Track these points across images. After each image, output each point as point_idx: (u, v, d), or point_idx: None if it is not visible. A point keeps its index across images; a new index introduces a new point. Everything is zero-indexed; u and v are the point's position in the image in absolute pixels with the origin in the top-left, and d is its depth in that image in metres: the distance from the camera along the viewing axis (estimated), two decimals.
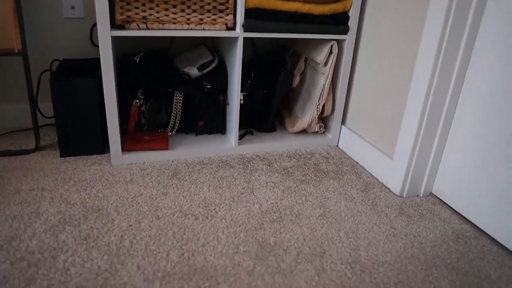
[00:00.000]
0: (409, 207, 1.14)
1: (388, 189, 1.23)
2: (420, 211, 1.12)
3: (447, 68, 1.05)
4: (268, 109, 1.50)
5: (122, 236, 0.93)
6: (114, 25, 1.15)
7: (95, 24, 1.51)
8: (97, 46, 1.54)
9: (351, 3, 1.33)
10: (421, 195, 1.21)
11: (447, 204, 1.16)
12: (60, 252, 0.86)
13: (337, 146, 1.54)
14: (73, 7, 1.47)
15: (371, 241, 0.97)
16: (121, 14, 1.15)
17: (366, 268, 0.88)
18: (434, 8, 1.02)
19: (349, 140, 1.46)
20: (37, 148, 1.34)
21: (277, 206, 1.09)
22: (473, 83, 1.05)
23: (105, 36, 1.12)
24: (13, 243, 0.88)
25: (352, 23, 1.36)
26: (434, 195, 1.21)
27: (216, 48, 1.54)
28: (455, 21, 1.00)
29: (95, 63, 1.47)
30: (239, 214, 1.05)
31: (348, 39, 1.38)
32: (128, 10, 1.15)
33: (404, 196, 1.20)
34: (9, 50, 1.23)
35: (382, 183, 1.26)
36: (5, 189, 1.10)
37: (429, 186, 1.21)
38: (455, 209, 1.13)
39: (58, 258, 0.85)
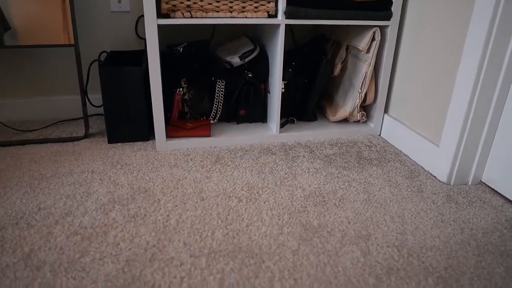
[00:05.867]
0: (457, 194, 1.10)
1: (434, 176, 1.19)
2: (469, 198, 1.08)
3: (499, 50, 1.01)
4: (309, 98, 1.49)
5: (168, 215, 0.96)
6: (160, 14, 1.19)
7: (140, 17, 1.56)
8: (142, 39, 1.59)
9: None
10: (469, 183, 1.17)
11: (499, 193, 1.11)
12: (110, 228, 0.90)
13: (379, 135, 1.51)
14: (119, 1, 1.52)
15: (418, 226, 0.95)
16: (166, 3, 1.18)
17: (413, 252, 0.86)
18: None
19: (392, 128, 1.43)
20: (87, 136, 1.41)
21: (320, 191, 1.09)
22: None
23: (151, 24, 1.16)
24: (67, 219, 0.93)
25: (395, 8, 1.33)
26: (484, 183, 1.16)
27: (257, 38, 1.55)
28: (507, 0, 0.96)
29: (140, 54, 1.52)
30: (282, 197, 1.05)
31: (391, 25, 1.35)
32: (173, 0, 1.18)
33: (452, 184, 1.16)
34: (63, 43, 1.30)
35: (428, 171, 1.23)
36: (59, 171, 1.15)
37: (478, 174, 1.16)
38: (508, 197, 1.08)
39: (109, 233, 0.88)
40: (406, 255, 0.85)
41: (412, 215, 0.99)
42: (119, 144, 1.35)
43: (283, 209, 1.00)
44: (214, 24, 1.60)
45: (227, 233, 0.90)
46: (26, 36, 1.28)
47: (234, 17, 1.24)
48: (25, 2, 1.25)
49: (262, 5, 1.25)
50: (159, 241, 0.86)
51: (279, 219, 0.95)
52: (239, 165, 1.22)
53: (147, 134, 1.37)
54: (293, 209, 1.00)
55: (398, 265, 0.81)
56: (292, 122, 1.51)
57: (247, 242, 0.87)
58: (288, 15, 1.24)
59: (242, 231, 0.91)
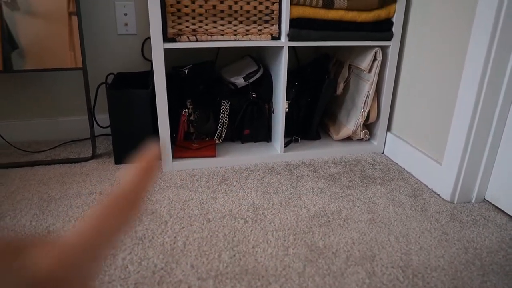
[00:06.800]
0: (460, 213, 1.11)
1: (438, 195, 1.20)
2: (473, 217, 1.09)
3: (499, 68, 1.03)
4: (312, 117, 1.51)
5: (175, 237, 0.97)
6: (166, 38, 1.22)
7: (146, 40, 1.60)
8: (148, 60, 1.62)
9: (395, 10, 1.34)
10: (473, 201, 1.17)
11: (502, 211, 1.12)
12: (118, 251, 0.91)
13: (382, 153, 1.52)
14: (126, 24, 1.56)
15: (422, 246, 0.96)
16: (172, 27, 1.21)
17: (418, 273, 0.86)
18: (483, 7, 1.01)
19: (395, 146, 1.44)
20: (94, 156, 1.43)
21: (325, 211, 1.10)
22: None
23: (158, 48, 1.19)
24: None
25: (396, 29, 1.36)
26: (488, 201, 1.17)
27: (261, 59, 1.58)
28: (506, 19, 0.98)
29: (146, 75, 1.55)
30: (287, 218, 1.06)
31: (393, 45, 1.38)
32: (179, 24, 1.21)
33: (455, 202, 1.16)
34: (72, 66, 1.33)
35: (431, 189, 1.24)
36: (67, 193, 1.17)
37: (481, 191, 1.17)
38: None
39: (117, 256, 0.90)
40: (411, 276, 0.85)
41: (416, 235, 1.00)
42: (126, 165, 1.37)
43: (288, 229, 1.01)
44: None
45: (234, 255, 0.91)
46: (34, 59, 1.32)
47: (238, 40, 1.27)
48: (32, 25, 1.28)
49: (265, 27, 1.28)
50: (167, 263, 0.88)
51: (285, 240, 0.97)
52: (244, 185, 1.24)
53: None
54: (298, 230, 1.01)
55: (403, 286, 0.82)
56: (296, 141, 1.53)
57: (254, 264, 0.88)
58: (291, 37, 1.27)
59: (249, 252, 0.92)
